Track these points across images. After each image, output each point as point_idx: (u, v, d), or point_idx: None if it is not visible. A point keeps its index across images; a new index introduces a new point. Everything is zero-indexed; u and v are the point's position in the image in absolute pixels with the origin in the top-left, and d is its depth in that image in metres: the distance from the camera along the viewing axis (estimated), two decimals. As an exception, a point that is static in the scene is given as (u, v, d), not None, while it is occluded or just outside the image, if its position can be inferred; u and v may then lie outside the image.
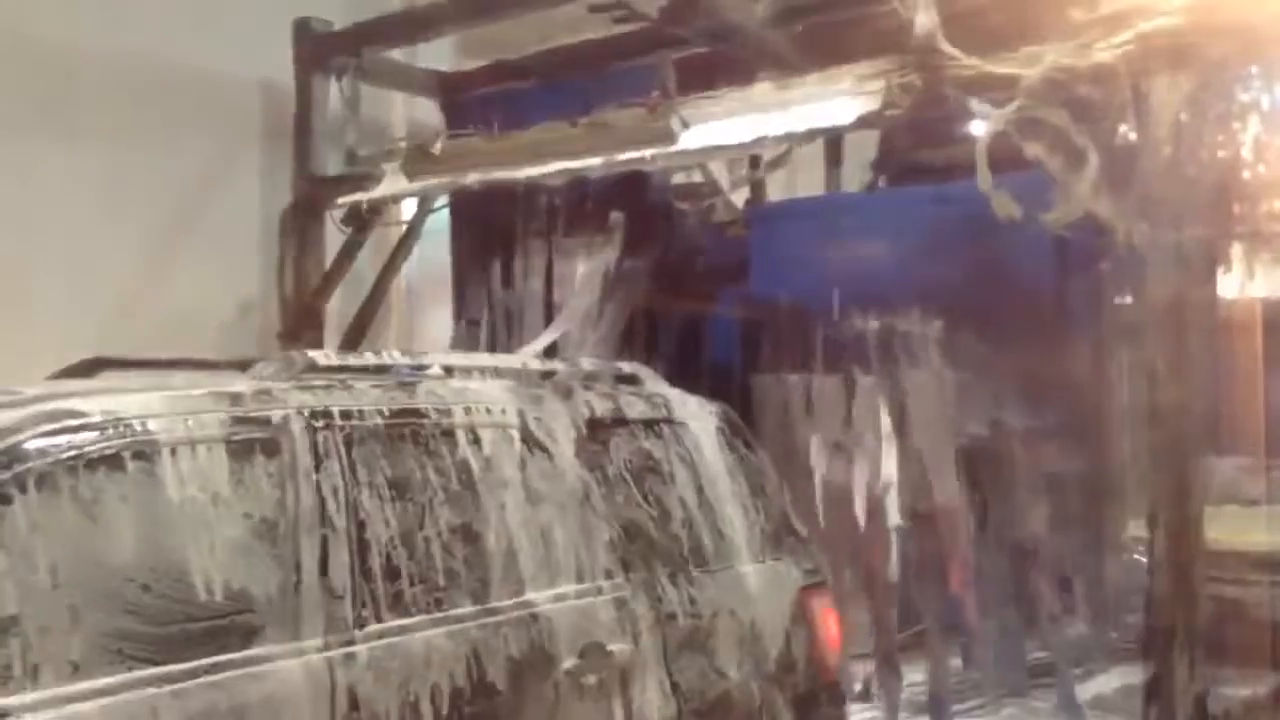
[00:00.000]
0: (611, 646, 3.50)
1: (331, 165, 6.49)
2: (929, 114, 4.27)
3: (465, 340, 6.78)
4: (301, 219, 6.54)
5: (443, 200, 6.58)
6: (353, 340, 6.71)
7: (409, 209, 6.88)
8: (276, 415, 2.97)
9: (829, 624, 4.32)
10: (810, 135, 4.63)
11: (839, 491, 5.49)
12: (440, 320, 7.39)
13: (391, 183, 6.04)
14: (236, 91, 6.84)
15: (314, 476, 2.97)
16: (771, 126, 4.57)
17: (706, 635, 3.82)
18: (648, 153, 4.90)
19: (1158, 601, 3.84)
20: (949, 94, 4.10)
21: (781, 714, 4.02)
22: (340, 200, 6.34)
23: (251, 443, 2.90)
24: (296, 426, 2.99)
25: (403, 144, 6.33)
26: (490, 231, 6.59)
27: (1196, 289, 3.81)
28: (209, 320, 6.66)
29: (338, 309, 7.01)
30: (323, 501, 2.97)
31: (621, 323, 5.88)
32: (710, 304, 6.42)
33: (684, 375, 6.13)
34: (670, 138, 4.87)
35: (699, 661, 3.78)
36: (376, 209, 6.37)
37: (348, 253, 6.58)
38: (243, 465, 2.86)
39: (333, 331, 6.86)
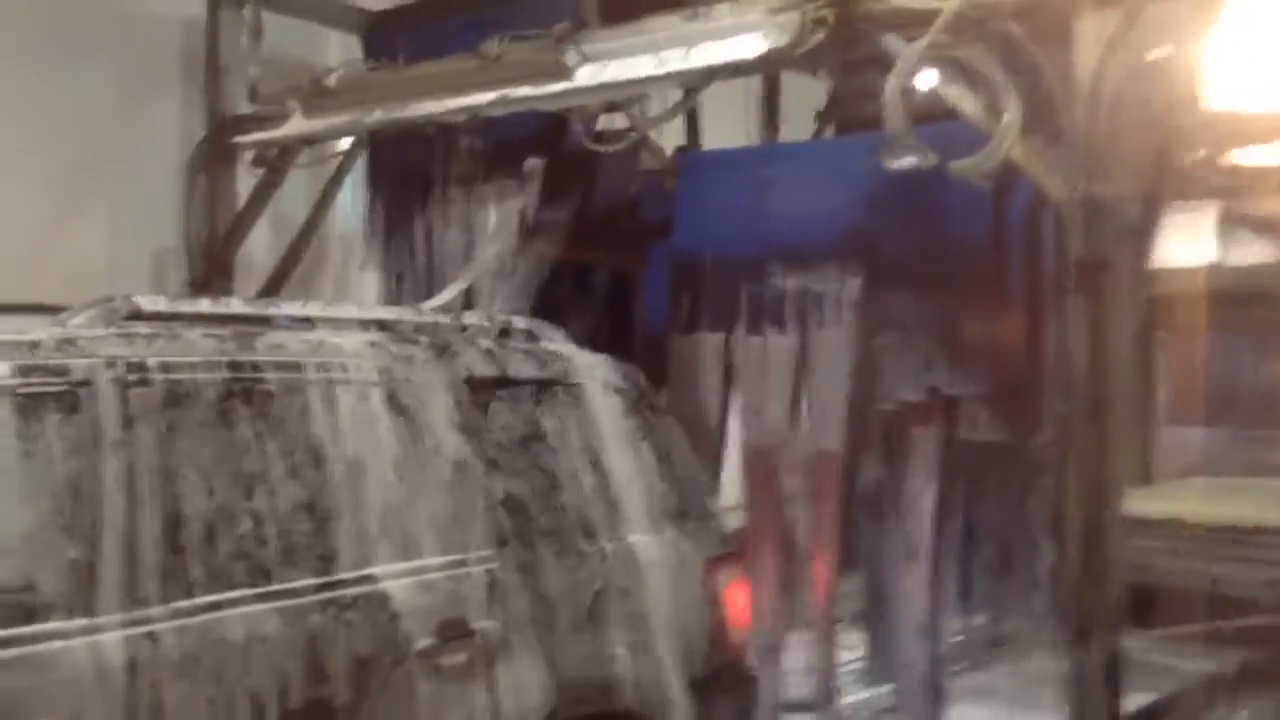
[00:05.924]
0: (475, 625, 3.25)
1: (242, 104, 6.14)
2: (845, 54, 3.95)
3: (389, 294, 6.46)
4: (210, 160, 6.18)
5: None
6: (272, 292, 6.36)
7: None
8: (79, 366, 2.67)
9: (737, 599, 4.10)
10: (714, 74, 4.27)
11: (758, 457, 5.24)
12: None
13: (298, 122, 5.67)
14: (153, 26, 6.45)
15: (122, 436, 2.68)
16: (672, 63, 4.20)
17: (593, 614, 3.57)
18: (545, 90, 4.54)
19: (1071, 582, 3.61)
20: (863, 30, 3.77)
21: (677, 697, 3.80)
22: (243, 139, 5.97)
23: (44, 396, 2.60)
24: (103, 379, 2.68)
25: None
26: (410, 178, 6.24)
27: (1120, 250, 3.50)
28: (120, 268, 6.32)
29: (267, 258, 6.68)
30: (131, 465, 2.67)
31: (538, 276, 5.55)
32: (639, 259, 6.11)
33: (609, 334, 5.88)
34: (565, 73, 4.50)
35: (584, 642, 3.53)
36: (287, 150, 6.00)
37: (260, 197, 6.20)
38: (32, 422, 2.57)
39: (260, 282, 6.52)
